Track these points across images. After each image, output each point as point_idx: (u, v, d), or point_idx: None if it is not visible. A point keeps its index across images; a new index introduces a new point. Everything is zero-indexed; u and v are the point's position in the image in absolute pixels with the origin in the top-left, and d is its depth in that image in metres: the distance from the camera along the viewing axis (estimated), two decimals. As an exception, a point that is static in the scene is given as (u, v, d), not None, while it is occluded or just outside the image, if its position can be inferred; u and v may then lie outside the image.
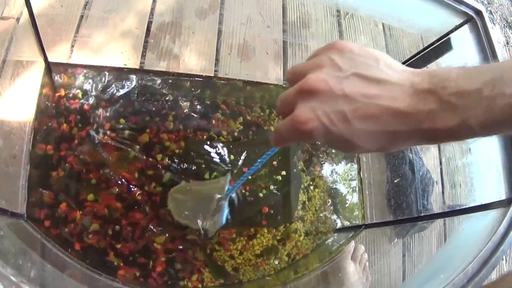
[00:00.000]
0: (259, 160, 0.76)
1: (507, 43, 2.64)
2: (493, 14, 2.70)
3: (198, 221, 0.95)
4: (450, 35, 0.99)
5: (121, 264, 0.99)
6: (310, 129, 0.40)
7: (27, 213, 0.95)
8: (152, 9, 1.21)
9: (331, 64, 0.41)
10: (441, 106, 0.36)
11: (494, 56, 0.88)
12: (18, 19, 1.03)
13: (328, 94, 0.39)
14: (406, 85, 0.38)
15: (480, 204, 0.87)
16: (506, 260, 1.51)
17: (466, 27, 0.94)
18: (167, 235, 1.03)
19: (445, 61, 1.05)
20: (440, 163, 1.37)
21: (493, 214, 0.80)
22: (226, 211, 0.95)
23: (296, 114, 0.40)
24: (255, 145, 1.17)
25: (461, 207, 1.10)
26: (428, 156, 1.37)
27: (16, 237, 0.84)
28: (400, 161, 1.26)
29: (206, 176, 1.08)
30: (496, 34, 2.61)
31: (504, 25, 2.71)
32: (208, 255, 1.06)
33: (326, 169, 1.26)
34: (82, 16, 1.13)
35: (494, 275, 1.30)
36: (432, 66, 1.11)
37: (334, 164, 1.28)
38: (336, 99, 0.39)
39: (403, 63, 1.10)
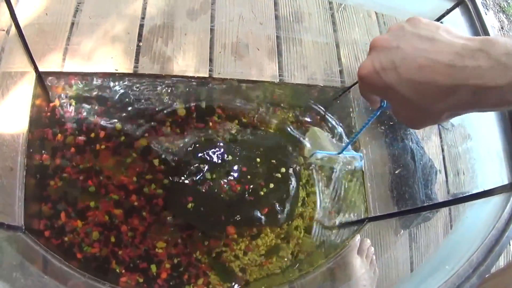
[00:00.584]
0: (365, 122, 0.78)
1: (502, 27, 2.62)
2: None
3: None
4: (442, 20, 0.97)
5: (123, 271, 0.98)
6: (364, 74, 0.47)
7: (25, 225, 0.93)
8: (143, 12, 1.20)
9: (398, 28, 0.47)
10: (490, 63, 0.37)
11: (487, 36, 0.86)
12: (8, 31, 1.02)
13: (385, 47, 0.45)
14: (457, 45, 0.40)
15: (482, 190, 0.85)
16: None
17: (457, 11, 0.93)
18: (169, 238, 1.02)
19: None
20: (442, 151, 1.36)
21: (496, 200, 0.79)
22: None
23: (360, 65, 0.48)
24: (253, 144, 1.15)
25: (464, 195, 1.08)
26: (430, 145, 1.36)
27: (13, 250, 0.83)
28: (401, 151, 1.25)
29: (208, 176, 1.06)
30: (490, 19, 2.60)
31: (497, 10, 2.70)
32: (214, 258, 1.05)
33: (327, 164, 1.25)
34: (72, 24, 1.12)
35: (502, 262, 1.29)
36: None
37: (335, 159, 1.26)
38: (390, 49, 0.45)
39: None
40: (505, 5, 2.76)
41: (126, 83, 1.12)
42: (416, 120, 0.48)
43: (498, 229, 0.69)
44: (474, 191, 0.88)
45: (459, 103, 0.41)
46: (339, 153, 1.08)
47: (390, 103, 0.50)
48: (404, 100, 0.45)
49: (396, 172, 1.24)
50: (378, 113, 0.67)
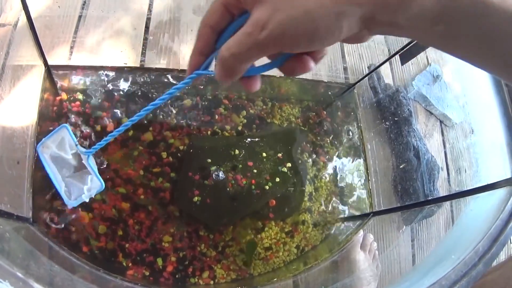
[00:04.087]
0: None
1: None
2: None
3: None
4: None
5: (130, 264, 0.99)
6: None
7: (33, 216, 0.94)
8: (150, 7, 1.21)
9: None
10: None
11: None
12: (15, 25, 1.03)
13: None
14: None
15: (486, 184, 0.86)
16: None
17: None
18: (175, 232, 1.03)
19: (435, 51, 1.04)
20: (444, 148, 1.37)
21: (500, 192, 0.80)
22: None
23: None
24: (259, 138, 1.16)
25: (468, 188, 1.10)
26: (432, 142, 1.37)
27: (23, 239, 0.84)
28: (404, 146, 1.26)
29: (213, 168, 1.07)
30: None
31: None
32: (220, 252, 1.06)
33: (331, 159, 1.26)
34: (80, 17, 1.13)
35: (502, 256, 1.30)
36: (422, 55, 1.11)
37: (340, 154, 1.27)
38: None
39: (404, 47, 1.10)
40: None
41: (133, 76, 1.13)
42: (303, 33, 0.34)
43: (502, 219, 0.71)
44: (478, 185, 0.90)
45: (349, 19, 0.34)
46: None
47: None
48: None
49: (400, 167, 1.25)
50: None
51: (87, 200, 0.70)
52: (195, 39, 0.43)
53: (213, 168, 1.06)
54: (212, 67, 0.44)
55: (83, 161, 0.71)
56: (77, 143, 0.71)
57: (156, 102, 0.51)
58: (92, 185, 0.71)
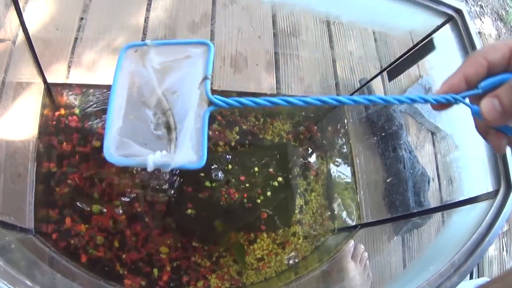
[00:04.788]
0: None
1: (499, 36, 2.66)
2: (484, 8, 2.73)
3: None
4: (432, 36, 1.01)
5: (126, 273, 1.03)
6: None
7: (35, 227, 0.98)
8: (145, 25, 1.25)
9: None
10: None
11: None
12: (14, 42, 1.07)
13: None
14: None
15: (468, 197, 0.90)
16: (507, 251, 1.53)
17: (447, 27, 0.96)
18: (171, 243, 1.07)
19: (429, 62, 1.07)
20: (436, 159, 1.40)
21: (481, 206, 0.83)
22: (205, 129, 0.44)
23: None
24: (252, 153, 1.20)
25: (451, 202, 1.13)
26: (423, 154, 1.40)
27: (26, 250, 0.88)
28: (393, 160, 1.29)
29: (207, 184, 1.11)
30: (487, 27, 2.63)
31: (495, 18, 2.73)
32: (215, 262, 1.10)
33: (322, 173, 1.29)
34: (76, 38, 1.18)
35: (496, 271, 1.33)
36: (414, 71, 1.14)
37: (329, 168, 1.31)
38: None
39: (391, 64, 1.13)
40: (503, 13, 2.79)
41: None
42: None
43: (480, 233, 0.73)
44: (461, 198, 0.93)
45: None
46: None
47: None
48: None
49: (387, 180, 1.29)
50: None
51: (150, 170, 0.41)
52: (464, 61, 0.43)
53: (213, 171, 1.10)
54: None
55: (184, 113, 0.44)
56: (209, 75, 0.46)
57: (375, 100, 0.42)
58: (181, 152, 0.42)
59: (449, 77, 0.43)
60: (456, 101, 0.42)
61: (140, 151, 0.42)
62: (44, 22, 1.16)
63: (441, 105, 0.43)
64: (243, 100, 0.43)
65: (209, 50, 0.46)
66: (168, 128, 0.45)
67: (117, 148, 0.43)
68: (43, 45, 1.14)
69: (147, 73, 0.46)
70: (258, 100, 0.42)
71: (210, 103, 0.44)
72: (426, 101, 0.42)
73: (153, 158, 0.40)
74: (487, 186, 0.86)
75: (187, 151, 0.41)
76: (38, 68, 1.02)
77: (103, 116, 1.13)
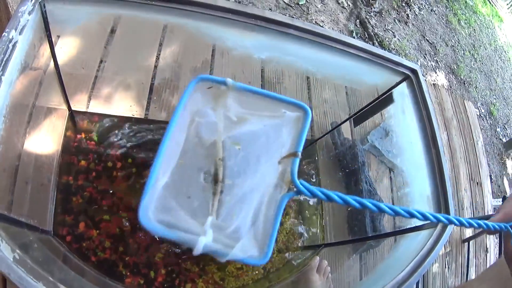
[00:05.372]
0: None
1: (450, 86, 3.01)
2: (439, 62, 3.10)
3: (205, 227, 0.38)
4: (392, 91, 1.15)
5: (128, 273, 1.21)
6: None
7: (53, 230, 1.17)
8: (155, 67, 1.48)
9: None
10: None
11: (425, 106, 1.06)
12: (45, 71, 1.24)
13: None
14: None
15: (414, 225, 1.04)
16: (448, 268, 1.76)
17: (404, 84, 1.10)
18: (166, 250, 1.26)
19: (388, 112, 1.26)
20: (391, 192, 1.62)
21: (424, 233, 0.95)
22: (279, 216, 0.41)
23: None
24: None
25: (400, 229, 1.26)
26: (382, 187, 1.62)
27: (46, 249, 1.05)
28: (355, 192, 1.51)
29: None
30: (441, 79, 2.97)
31: (448, 71, 3.11)
32: (202, 269, 1.29)
33: (295, 200, 1.53)
34: (96, 76, 1.40)
35: (440, 286, 1.54)
36: (377, 116, 1.34)
37: (301, 198, 1.54)
38: None
39: (357, 112, 1.34)
40: (455, 67, 3.19)
41: (138, 125, 1.39)
42: None
43: (421, 255, 0.86)
44: (408, 226, 1.08)
45: None
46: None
47: None
48: None
49: (349, 209, 1.51)
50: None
51: (197, 254, 0.36)
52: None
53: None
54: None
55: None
56: (299, 153, 0.37)
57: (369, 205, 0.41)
58: (242, 243, 0.35)
59: (498, 215, 0.54)
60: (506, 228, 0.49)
61: (187, 222, 0.33)
62: (71, 60, 1.37)
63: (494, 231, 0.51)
64: (331, 194, 0.38)
65: (305, 118, 0.39)
66: (215, 180, 0.39)
67: (156, 209, 0.35)
68: (69, 78, 1.34)
69: (215, 117, 0.38)
70: (347, 198, 0.39)
71: (292, 187, 0.35)
72: (479, 226, 0.48)
73: (204, 241, 0.32)
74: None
75: (249, 242, 0.33)
76: (64, 97, 1.20)
77: (116, 141, 1.34)
